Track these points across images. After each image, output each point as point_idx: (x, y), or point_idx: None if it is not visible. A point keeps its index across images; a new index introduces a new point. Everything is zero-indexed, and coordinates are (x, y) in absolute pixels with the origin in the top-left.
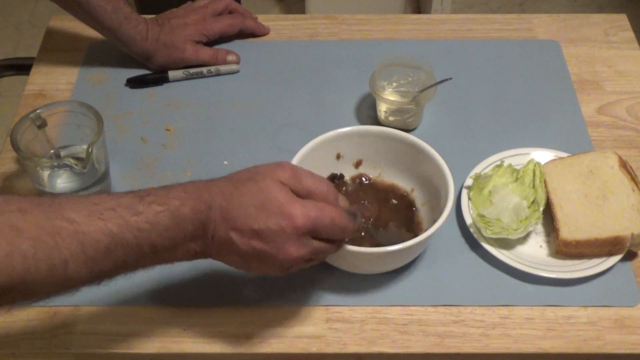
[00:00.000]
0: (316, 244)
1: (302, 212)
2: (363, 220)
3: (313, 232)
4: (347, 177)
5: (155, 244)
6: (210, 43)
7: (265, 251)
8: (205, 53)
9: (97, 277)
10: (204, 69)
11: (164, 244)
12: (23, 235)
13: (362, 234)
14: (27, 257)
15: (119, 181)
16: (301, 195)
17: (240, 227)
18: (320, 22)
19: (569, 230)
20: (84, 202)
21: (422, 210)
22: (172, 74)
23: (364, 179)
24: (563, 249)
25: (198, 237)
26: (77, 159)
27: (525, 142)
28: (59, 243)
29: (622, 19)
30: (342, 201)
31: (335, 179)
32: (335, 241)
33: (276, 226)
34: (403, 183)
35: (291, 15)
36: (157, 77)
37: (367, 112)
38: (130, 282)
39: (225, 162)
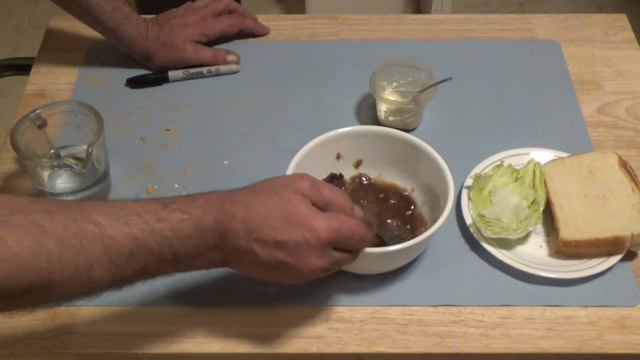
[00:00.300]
0: (336, 254)
1: (325, 225)
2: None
3: (334, 244)
4: (347, 177)
5: (177, 252)
6: (210, 43)
7: (287, 262)
8: (205, 53)
9: (118, 281)
10: (204, 69)
11: (185, 252)
12: (49, 235)
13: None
14: (53, 258)
15: (119, 181)
16: (320, 206)
17: (263, 238)
18: (320, 22)
19: (569, 230)
20: (110, 206)
21: (422, 210)
22: (172, 74)
23: (363, 179)
24: (563, 249)
25: (218, 247)
26: (77, 159)
27: (525, 142)
28: (84, 245)
29: (622, 19)
30: (357, 211)
31: (335, 179)
32: (353, 251)
33: (300, 238)
34: (403, 183)
35: (291, 15)
36: (157, 77)
37: (367, 112)
38: None
39: (225, 162)
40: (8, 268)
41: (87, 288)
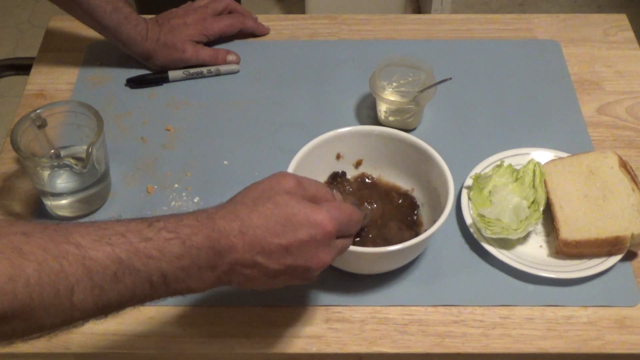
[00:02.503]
0: (340, 242)
1: (328, 217)
2: (368, 220)
3: (339, 233)
4: (349, 176)
5: (166, 274)
6: (210, 43)
7: (297, 265)
8: (205, 53)
9: (104, 307)
10: (204, 69)
11: (175, 273)
12: (27, 257)
13: (370, 235)
14: (30, 282)
15: (119, 181)
16: (308, 201)
17: (268, 248)
18: (320, 22)
19: (569, 230)
20: (92, 226)
21: (423, 210)
22: (172, 74)
23: (366, 179)
24: (563, 249)
25: (213, 267)
26: (77, 159)
27: (525, 142)
28: (65, 268)
29: (622, 19)
30: (337, 196)
31: (338, 177)
32: (350, 235)
33: (306, 236)
34: (403, 183)
35: (291, 15)
36: (157, 77)
37: (367, 112)
38: None
39: (225, 162)
40: None
41: (69, 315)
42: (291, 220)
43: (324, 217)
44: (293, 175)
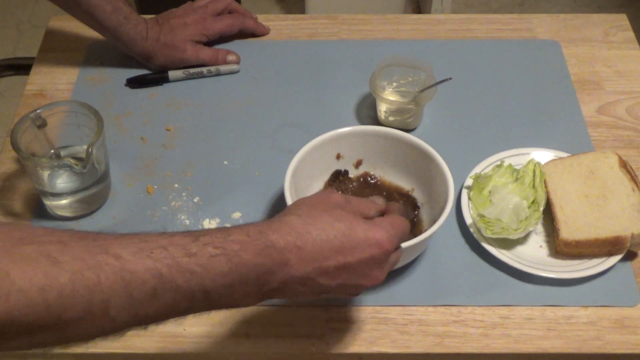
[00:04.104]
0: (392, 258)
1: (386, 235)
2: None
3: (395, 249)
4: (350, 176)
5: (210, 291)
6: (210, 43)
7: (351, 283)
8: (205, 53)
9: (141, 321)
10: (204, 69)
11: (219, 291)
12: (61, 267)
13: None
14: (64, 292)
15: (119, 181)
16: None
17: (326, 264)
18: (320, 22)
19: (569, 230)
20: (133, 238)
21: (422, 211)
22: (172, 74)
23: (369, 178)
24: (563, 249)
25: (263, 284)
26: (77, 159)
27: (525, 142)
28: (101, 280)
29: (622, 19)
30: (377, 199)
31: (340, 176)
32: (399, 248)
33: (366, 255)
34: (403, 183)
35: (291, 15)
36: (157, 77)
37: (367, 112)
38: None
39: (225, 162)
40: (11, 304)
41: (105, 327)
42: (350, 237)
43: (383, 235)
44: (339, 193)
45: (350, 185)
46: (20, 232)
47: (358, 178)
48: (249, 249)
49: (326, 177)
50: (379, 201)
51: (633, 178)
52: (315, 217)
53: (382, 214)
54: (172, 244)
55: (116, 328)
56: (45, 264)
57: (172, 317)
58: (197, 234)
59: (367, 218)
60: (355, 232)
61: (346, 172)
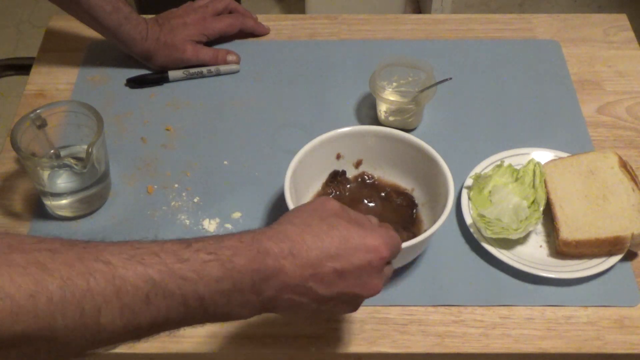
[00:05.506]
0: (387, 269)
1: (383, 241)
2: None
3: (390, 258)
4: (349, 176)
5: (203, 297)
6: (210, 43)
7: (348, 292)
8: (206, 53)
9: (134, 330)
10: (204, 69)
11: (214, 298)
12: (51, 274)
13: None
14: (54, 300)
15: (119, 181)
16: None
17: (322, 271)
18: (320, 22)
19: (569, 230)
20: (125, 245)
21: (422, 210)
22: (172, 74)
23: (366, 177)
24: (563, 249)
25: (258, 292)
26: (77, 159)
27: (525, 142)
28: (91, 286)
29: (622, 19)
30: (374, 220)
31: (338, 176)
32: (391, 262)
33: (362, 261)
34: (403, 183)
35: (291, 15)
36: (157, 77)
37: (367, 112)
38: None
39: (225, 162)
40: None
41: (97, 337)
42: (347, 243)
43: (380, 242)
44: (336, 201)
45: (348, 186)
46: (9, 240)
47: (356, 178)
48: (243, 254)
49: (326, 177)
50: (374, 220)
51: (633, 178)
52: (310, 225)
53: None
54: (164, 251)
55: (108, 338)
56: (35, 271)
57: (166, 329)
58: (190, 241)
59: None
60: (351, 238)
61: (344, 172)
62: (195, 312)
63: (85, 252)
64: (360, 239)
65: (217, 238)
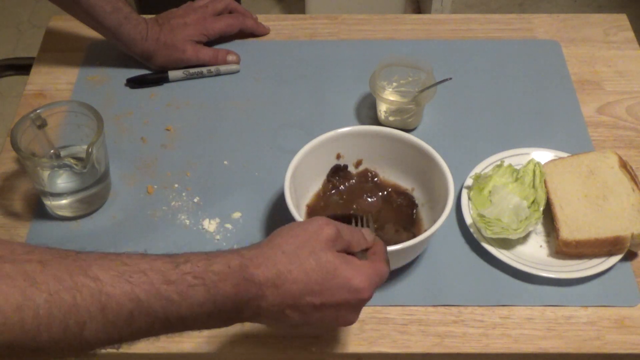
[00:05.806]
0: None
1: (367, 284)
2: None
3: (371, 296)
4: (352, 173)
5: (185, 318)
6: (210, 43)
7: (322, 322)
8: (206, 53)
9: (115, 341)
10: (204, 69)
11: (194, 318)
12: (39, 287)
13: None
14: (40, 313)
15: (119, 181)
16: (344, 250)
17: (300, 304)
18: (320, 22)
19: (569, 230)
20: (114, 260)
21: (422, 210)
22: (172, 74)
23: (369, 174)
24: (563, 249)
25: (238, 312)
26: (77, 159)
27: (525, 142)
28: (78, 302)
29: (622, 19)
30: (368, 234)
31: (339, 171)
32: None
33: (342, 300)
34: (403, 183)
35: (291, 15)
36: (157, 77)
37: (367, 112)
38: None
39: (225, 162)
40: None
41: (79, 347)
42: (330, 281)
43: (365, 285)
44: (333, 223)
45: (351, 181)
46: (0, 249)
47: (359, 174)
48: (229, 280)
49: (326, 175)
50: (369, 237)
51: (633, 178)
52: (300, 256)
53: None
54: (153, 269)
55: (89, 348)
56: (23, 283)
57: (146, 337)
58: (179, 261)
59: (353, 253)
60: (336, 277)
61: (345, 166)
62: (175, 328)
63: (75, 265)
64: (346, 279)
65: (207, 260)
